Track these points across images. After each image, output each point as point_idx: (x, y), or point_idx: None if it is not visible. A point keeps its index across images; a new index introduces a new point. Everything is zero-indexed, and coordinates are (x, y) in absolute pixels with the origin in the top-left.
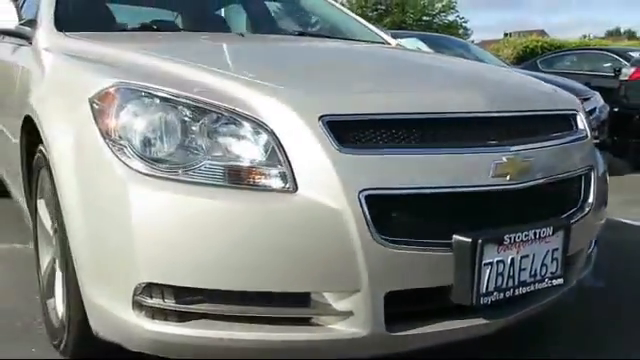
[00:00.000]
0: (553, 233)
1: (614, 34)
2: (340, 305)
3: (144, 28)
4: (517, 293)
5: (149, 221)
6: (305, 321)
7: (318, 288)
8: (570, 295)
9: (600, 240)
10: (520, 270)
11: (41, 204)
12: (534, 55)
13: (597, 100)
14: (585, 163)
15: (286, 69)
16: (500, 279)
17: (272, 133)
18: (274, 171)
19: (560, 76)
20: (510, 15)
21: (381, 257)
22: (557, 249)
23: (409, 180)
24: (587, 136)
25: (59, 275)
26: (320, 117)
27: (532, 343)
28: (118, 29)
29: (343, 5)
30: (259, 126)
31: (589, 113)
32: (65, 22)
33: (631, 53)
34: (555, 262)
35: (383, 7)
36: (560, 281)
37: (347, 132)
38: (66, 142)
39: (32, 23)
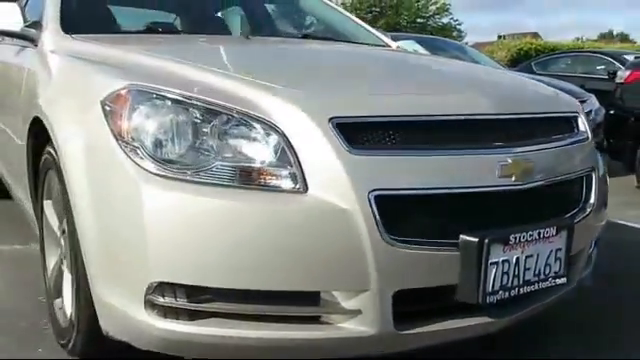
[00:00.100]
0: (556, 233)
1: (607, 36)
2: (349, 304)
3: (150, 31)
4: (521, 292)
5: (161, 221)
6: (314, 320)
7: (328, 287)
8: (571, 294)
9: (600, 241)
10: (525, 269)
11: (48, 205)
12: (528, 57)
13: (593, 103)
14: (586, 164)
15: (294, 71)
16: (505, 278)
17: (282, 134)
18: (284, 172)
19: (555, 79)
20: (503, 17)
21: (390, 257)
22: (560, 249)
23: (417, 181)
24: (588, 138)
25: (67, 275)
26: (330, 119)
27: (532, 343)
28: (123, 32)
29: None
30: (270, 128)
31: None
32: (71, 24)
33: (626, 56)
34: (558, 262)
35: (377, 9)
36: (563, 280)
37: (357, 134)
38: (78, 143)
39: (37, 25)
